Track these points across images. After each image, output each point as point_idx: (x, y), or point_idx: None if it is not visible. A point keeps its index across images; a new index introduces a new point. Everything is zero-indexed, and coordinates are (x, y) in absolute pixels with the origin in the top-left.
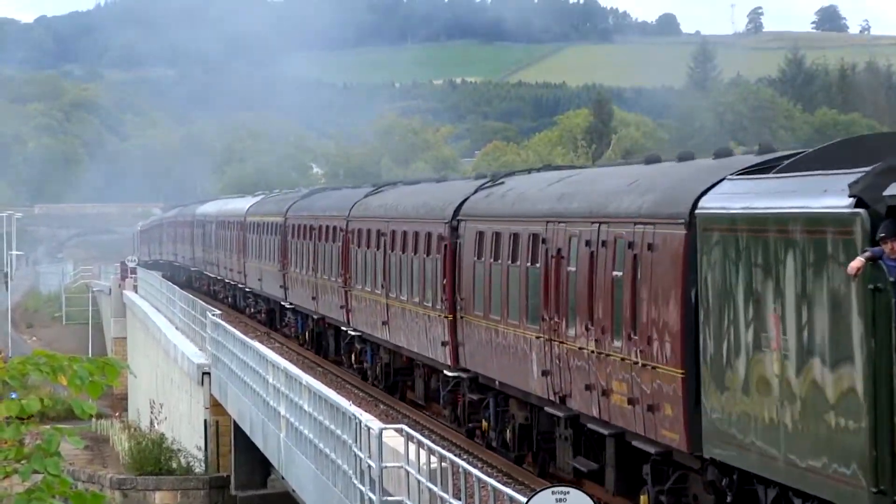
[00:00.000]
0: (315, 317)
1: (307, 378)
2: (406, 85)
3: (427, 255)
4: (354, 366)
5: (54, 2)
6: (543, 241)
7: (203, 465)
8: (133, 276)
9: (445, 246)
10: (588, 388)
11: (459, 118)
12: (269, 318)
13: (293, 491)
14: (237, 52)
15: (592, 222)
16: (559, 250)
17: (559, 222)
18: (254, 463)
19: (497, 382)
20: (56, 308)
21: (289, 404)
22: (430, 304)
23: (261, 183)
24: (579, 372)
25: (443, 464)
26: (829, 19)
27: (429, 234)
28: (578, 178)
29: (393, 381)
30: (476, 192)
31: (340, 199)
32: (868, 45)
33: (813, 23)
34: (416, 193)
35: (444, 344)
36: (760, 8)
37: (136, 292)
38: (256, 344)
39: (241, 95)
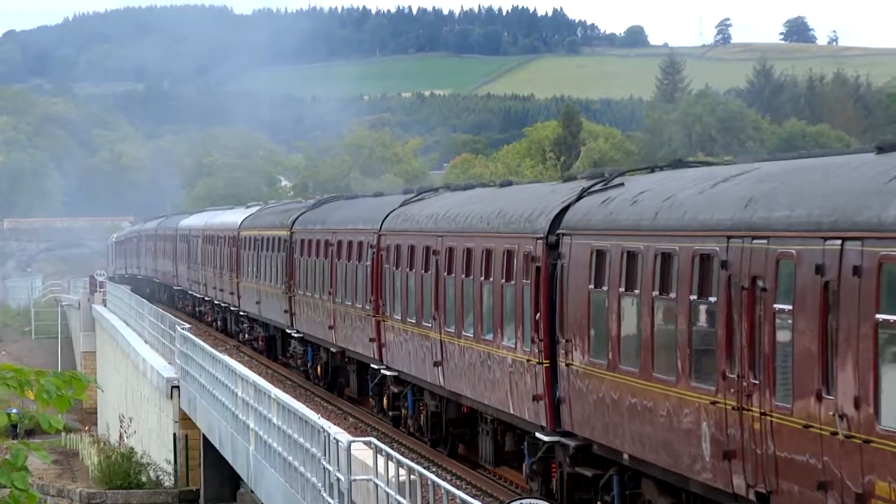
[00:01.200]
0: (332, 350)
1: (276, 391)
2: (375, 98)
3: (507, 281)
4: (389, 413)
5: (23, 17)
6: (724, 264)
7: (172, 478)
8: (102, 289)
9: (538, 269)
10: (822, 486)
11: (428, 131)
12: (268, 346)
13: None
14: (206, 66)
15: (828, 238)
16: (755, 278)
17: (754, 238)
18: (223, 476)
19: (626, 456)
20: (25, 322)
21: (258, 417)
22: (512, 346)
23: (230, 197)
24: (802, 460)
25: (411, 476)
26: (798, 31)
27: (508, 253)
28: (768, 174)
29: (445, 434)
30: (582, 196)
31: (367, 210)
32: (836, 57)
33: (781, 34)
34: (479, 200)
35: (536, 399)
36: (728, 19)
37: (105, 306)
38: (226, 357)
39: (210, 109)
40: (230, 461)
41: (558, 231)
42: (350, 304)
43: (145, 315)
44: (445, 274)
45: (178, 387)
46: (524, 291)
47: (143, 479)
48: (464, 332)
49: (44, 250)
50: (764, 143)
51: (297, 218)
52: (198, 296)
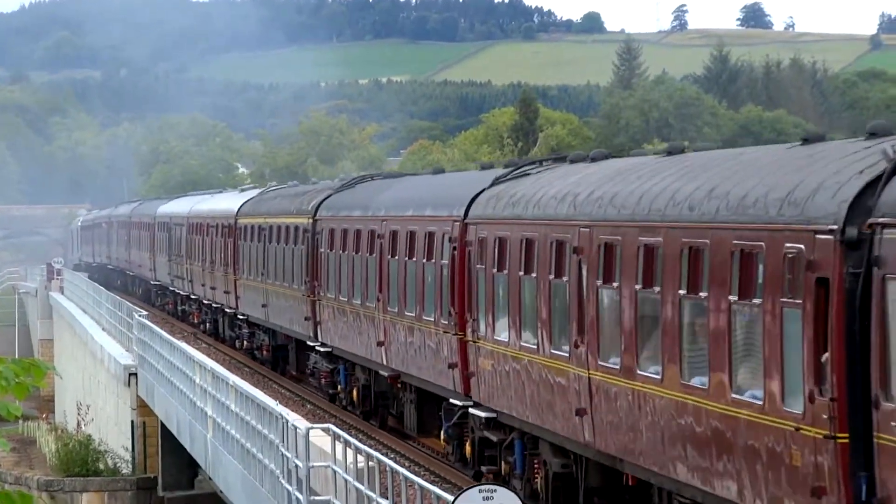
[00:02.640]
0: (382, 373)
1: (234, 378)
2: (332, 85)
3: (746, 299)
4: (481, 468)
5: None
6: None
7: (130, 466)
8: (59, 277)
9: (825, 285)
10: None
11: (385, 117)
12: (275, 357)
13: (220, 491)
14: (163, 53)
15: None
16: None
17: None
18: (181, 464)
19: None
20: None
21: (216, 404)
22: (773, 405)
23: (187, 184)
24: None
25: (370, 463)
26: (754, 16)
27: (748, 258)
28: None
29: None
30: None
31: (438, 191)
32: (793, 42)
33: (738, 20)
34: (647, 173)
35: (817, 493)
36: (685, 5)
37: (63, 294)
38: (183, 344)
39: (167, 96)
40: (188, 448)
41: (880, 219)
42: (413, 315)
43: (102, 302)
44: (599, 282)
45: (135, 374)
46: (798, 321)
47: (101, 466)
48: (644, 371)
49: (1, 238)
50: (721, 128)
51: (323, 202)
52: (181, 293)
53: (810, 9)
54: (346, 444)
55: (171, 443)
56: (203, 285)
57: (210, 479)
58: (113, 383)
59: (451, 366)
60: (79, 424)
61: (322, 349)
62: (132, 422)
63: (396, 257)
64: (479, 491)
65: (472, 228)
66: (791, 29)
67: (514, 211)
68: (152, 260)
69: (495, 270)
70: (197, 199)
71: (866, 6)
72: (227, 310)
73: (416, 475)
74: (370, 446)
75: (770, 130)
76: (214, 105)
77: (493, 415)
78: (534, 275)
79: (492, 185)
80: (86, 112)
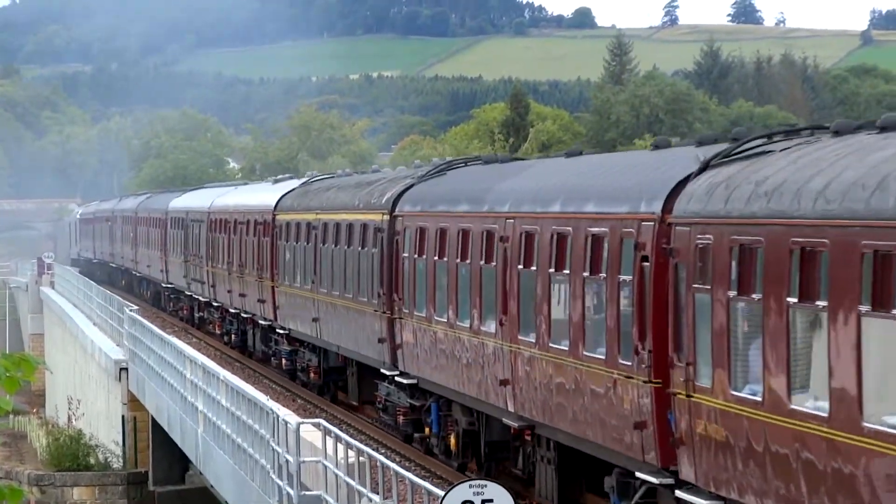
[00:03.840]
0: (507, 421)
1: (224, 373)
2: (323, 79)
3: None
4: None
5: None
6: None
7: (121, 460)
8: (50, 272)
9: None
10: None
11: (376, 112)
12: (326, 383)
13: (211, 486)
14: (154, 47)
15: None
16: None
17: None
18: (172, 458)
19: None
20: None
21: (206, 399)
22: None
23: (177, 179)
24: None
25: (360, 458)
26: (745, 12)
27: None
28: None
29: None
30: None
31: (604, 178)
32: (783, 38)
33: (729, 15)
34: None
35: None
36: (676, 1)
37: (53, 288)
38: (174, 339)
39: (158, 91)
40: (179, 443)
41: None
42: (567, 351)
43: (93, 297)
44: None
45: (126, 368)
46: None
47: (92, 461)
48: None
49: None
50: (711, 124)
51: (403, 194)
52: (200, 298)
53: (801, 5)
54: (337, 439)
55: (161, 437)
56: (229, 291)
57: (201, 473)
58: (104, 378)
59: (639, 425)
60: (69, 419)
61: (405, 381)
62: (123, 416)
63: (533, 268)
64: (470, 486)
65: (683, 232)
66: (782, 24)
67: (772, 205)
68: (164, 260)
69: (733, 294)
70: (219, 192)
71: (857, 2)
72: (261, 321)
73: (406, 470)
74: (361, 441)
75: (761, 126)
76: (204, 98)
77: (720, 503)
78: (821, 304)
79: (705, 167)
80: (76, 106)
